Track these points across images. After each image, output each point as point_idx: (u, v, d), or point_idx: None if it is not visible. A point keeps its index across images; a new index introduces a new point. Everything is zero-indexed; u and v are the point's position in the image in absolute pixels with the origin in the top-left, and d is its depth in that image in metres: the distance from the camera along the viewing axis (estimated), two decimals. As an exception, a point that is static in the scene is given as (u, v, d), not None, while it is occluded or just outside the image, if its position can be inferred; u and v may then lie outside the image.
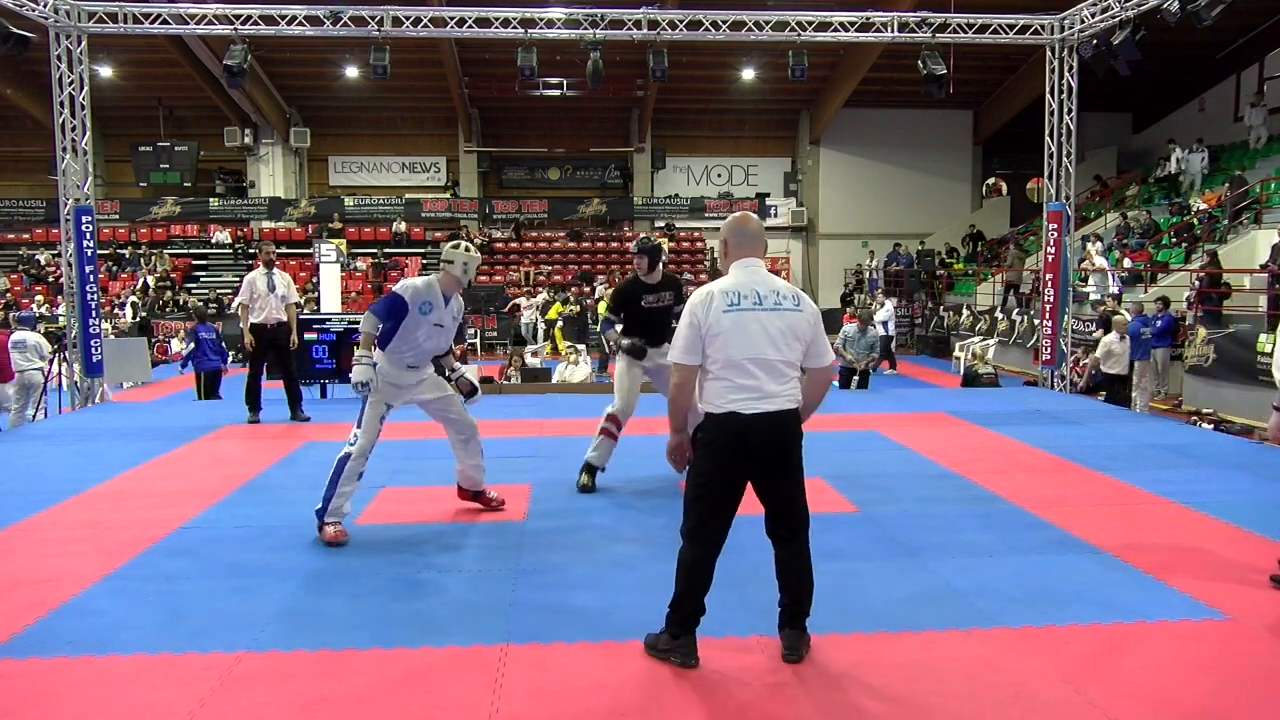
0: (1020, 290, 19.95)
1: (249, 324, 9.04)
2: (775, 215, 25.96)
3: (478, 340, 19.46)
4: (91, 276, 10.82)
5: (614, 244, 24.93)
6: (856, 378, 12.64)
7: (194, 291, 22.94)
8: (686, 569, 3.57)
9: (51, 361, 10.74)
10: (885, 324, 17.00)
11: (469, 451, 5.59)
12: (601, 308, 16.75)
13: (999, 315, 18.05)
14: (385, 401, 5.19)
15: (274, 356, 9.20)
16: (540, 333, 19.67)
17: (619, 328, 6.32)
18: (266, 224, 25.08)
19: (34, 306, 20.09)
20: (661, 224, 25.41)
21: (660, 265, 6.34)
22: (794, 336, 3.55)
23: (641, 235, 6.54)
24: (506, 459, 7.15)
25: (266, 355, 9.13)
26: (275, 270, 9.15)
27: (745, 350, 3.47)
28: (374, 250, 24.31)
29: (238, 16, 11.48)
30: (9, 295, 21.70)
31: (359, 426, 5.16)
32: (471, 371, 7.03)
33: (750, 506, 3.62)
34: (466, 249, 5.36)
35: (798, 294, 3.64)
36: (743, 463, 3.51)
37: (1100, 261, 16.31)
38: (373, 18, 11.57)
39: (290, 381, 9.30)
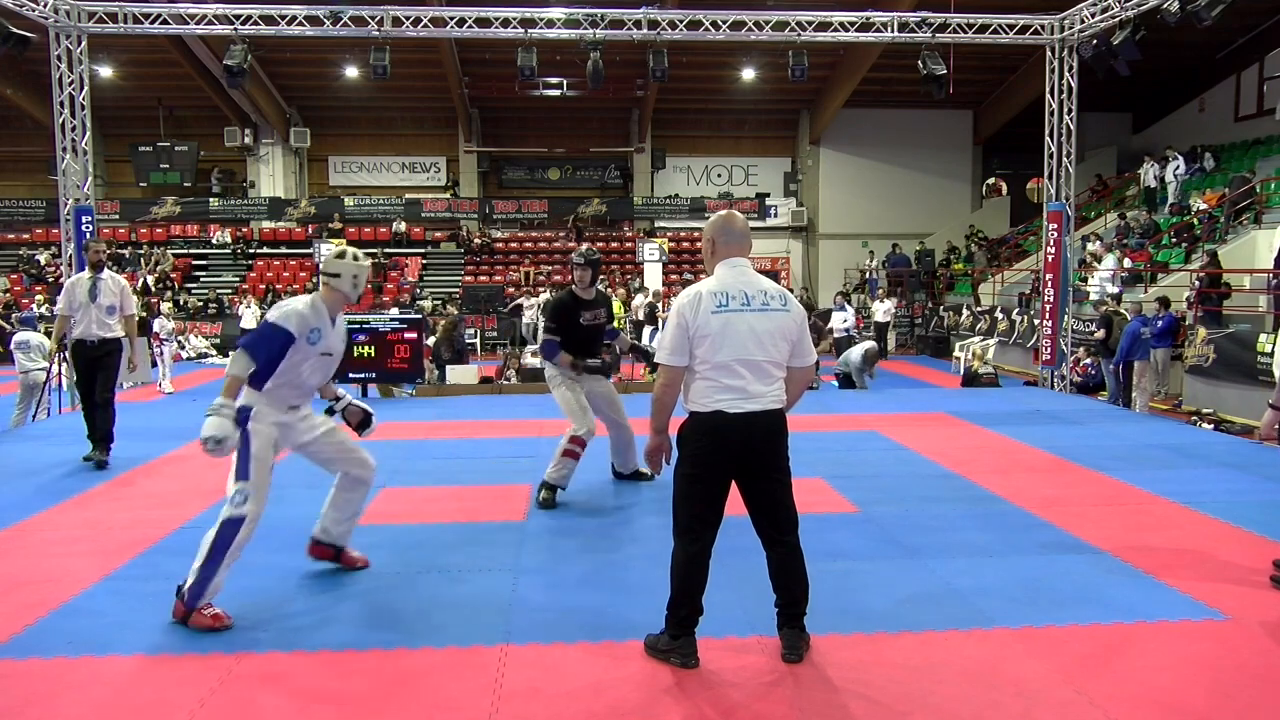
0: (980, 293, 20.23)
1: (69, 339, 7.54)
2: (775, 215, 25.97)
3: (478, 340, 19.46)
4: (91, 276, 10.80)
5: (614, 244, 24.94)
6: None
7: (194, 291, 22.94)
8: (679, 569, 3.57)
9: (52, 361, 10.71)
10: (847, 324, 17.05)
11: (354, 494, 4.62)
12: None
13: (999, 315, 18.04)
14: (271, 446, 4.19)
15: (95, 379, 7.44)
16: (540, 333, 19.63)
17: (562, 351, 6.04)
18: (266, 224, 25.10)
19: (34, 306, 20.08)
20: (661, 224, 25.52)
21: (597, 281, 6.22)
22: (781, 337, 3.54)
23: (584, 247, 6.36)
24: (506, 459, 7.16)
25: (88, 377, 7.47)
26: (105, 274, 7.45)
27: (733, 352, 3.46)
28: (374, 250, 24.29)
29: (238, 16, 11.49)
30: (9, 295, 21.69)
31: (243, 479, 4.05)
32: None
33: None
34: (355, 257, 4.40)
35: (785, 294, 3.63)
36: (727, 461, 3.51)
37: (1109, 260, 16.29)
38: (373, 18, 11.58)
39: (102, 410, 7.39)
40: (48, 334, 11.82)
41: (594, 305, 6.17)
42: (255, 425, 4.10)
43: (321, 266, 4.49)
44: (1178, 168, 18.60)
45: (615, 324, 6.51)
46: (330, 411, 4.65)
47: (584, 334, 6.13)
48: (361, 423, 4.65)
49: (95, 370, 7.39)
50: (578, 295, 6.11)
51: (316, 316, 4.25)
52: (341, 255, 4.39)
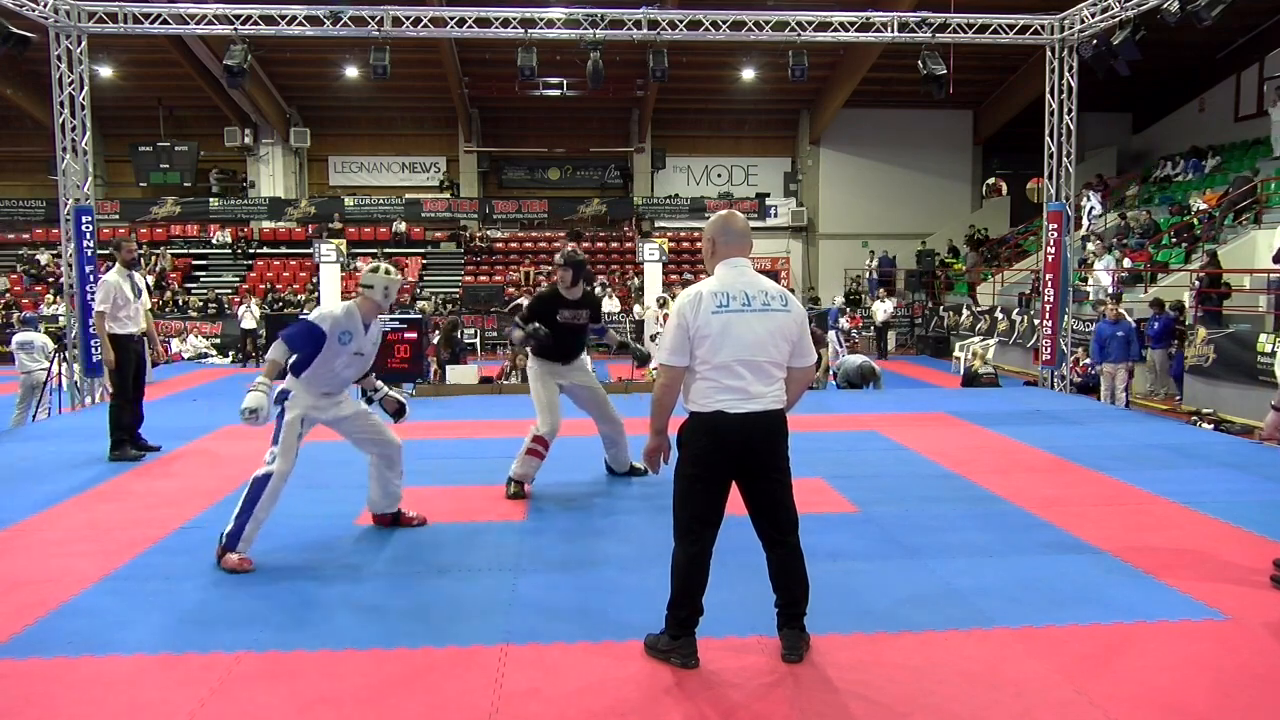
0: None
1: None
2: (775, 215, 25.96)
3: (477, 340, 19.48)
4: (92, 276, 10.82)
5: (614, 244, 24.94)
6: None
7: (194, 291, 22.94)
8: (680, 570, 3.57)
9: (52, 361, 10.72)
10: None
11: (392, 472, 5.27)
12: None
13: (999, 315, 18.04)
14: (301, 416, 4.85)
15: (141, 373, 7.97)
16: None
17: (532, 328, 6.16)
18: (266, 224, 25.09)
19: (43, 306, 20.01)
20: (661, 224, 25.51)
21: (583, 281, 6.26)
22: (782, 337, 3.54)
23: (568, 248, 6.45)
24: (506, 459, 7.14)
25: None
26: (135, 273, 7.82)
27: (734, 352, 3.46)
28: (374, 250, 24.30)
29: (238, 16, 11.49)
30: (9, 295, 21.67)
31: (275, 444, 4.77)
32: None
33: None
34: (386, 271, 5.04)
35: (785, 294, 3.63)
36: (727, 462, 3.51)
37: (1104, 262, 16.29)
38: (373, 18, 11.58)
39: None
40: (49, 334, 11.81)
41: (576, 305, 6.23)
42: (289, 404, 4.82)
43: (360, 279, 5.09)
44: (1092, 209, 18.89)
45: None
46: (369, 401, 5.33)
47: (560, 331, 6.20)
48: (397, 411, 5.31)
49: (141, 366, 7.83)
50: (560, 293, 6.21)
51: (349, 321, 4.92)
52: (375, 270, 5.04)
